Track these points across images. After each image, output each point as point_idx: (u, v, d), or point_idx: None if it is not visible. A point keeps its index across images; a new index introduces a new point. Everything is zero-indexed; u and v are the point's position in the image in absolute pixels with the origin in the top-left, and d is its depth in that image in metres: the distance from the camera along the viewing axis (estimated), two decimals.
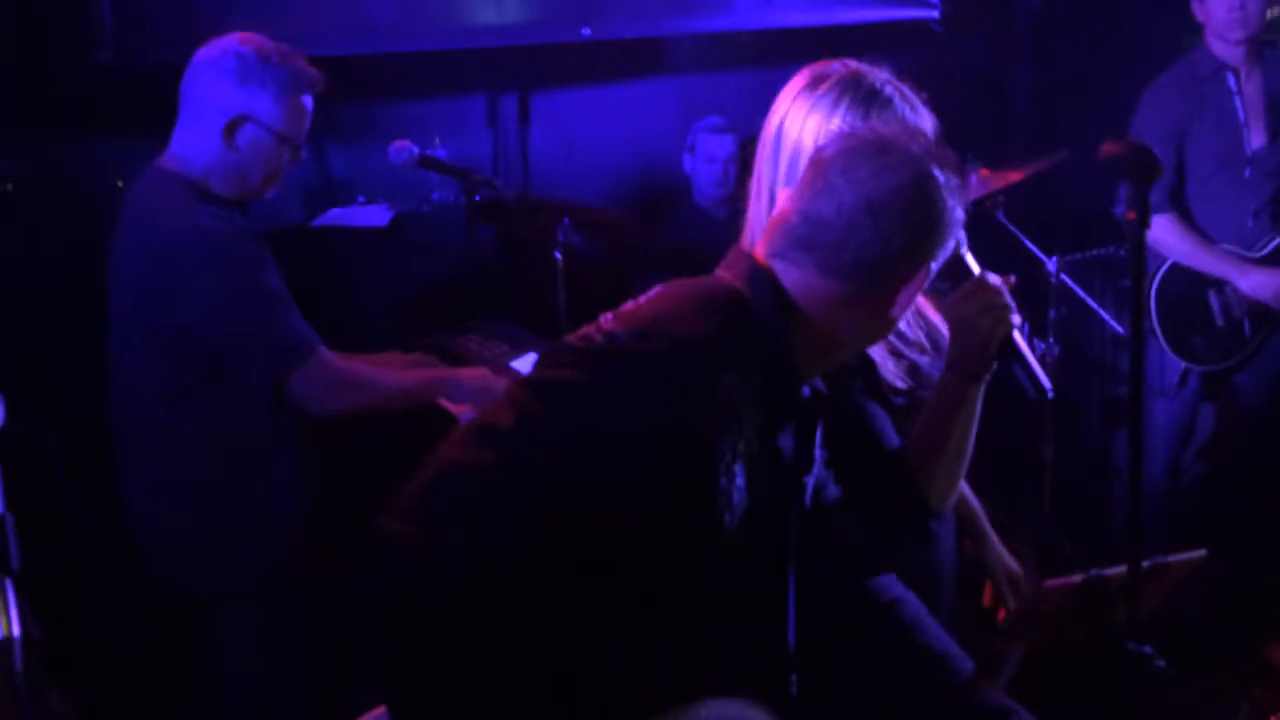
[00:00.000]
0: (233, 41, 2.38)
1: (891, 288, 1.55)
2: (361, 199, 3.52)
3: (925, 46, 4.21)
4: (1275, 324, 3.43)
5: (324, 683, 2.57)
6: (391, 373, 2.60)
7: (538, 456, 1.44)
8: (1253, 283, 3.39)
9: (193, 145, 2.39)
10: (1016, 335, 1.72)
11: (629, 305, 1.57)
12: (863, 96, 1.76)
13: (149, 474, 2.46)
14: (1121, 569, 1.87)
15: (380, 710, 1.54)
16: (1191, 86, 3.44)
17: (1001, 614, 2.00)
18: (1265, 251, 3.42)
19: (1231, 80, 3.43)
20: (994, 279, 1.70)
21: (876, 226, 1.51)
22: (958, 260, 1.69)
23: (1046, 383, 1.72)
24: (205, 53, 2.39)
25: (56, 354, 2.86)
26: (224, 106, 2.35)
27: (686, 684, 1.52)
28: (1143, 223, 1.81)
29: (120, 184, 3.11)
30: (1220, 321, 3.46)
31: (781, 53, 3.99)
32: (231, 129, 2.36)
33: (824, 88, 1.78)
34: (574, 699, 1.46)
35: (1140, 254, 1.83)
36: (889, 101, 1.77)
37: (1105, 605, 1.88)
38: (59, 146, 3.01)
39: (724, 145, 3.82)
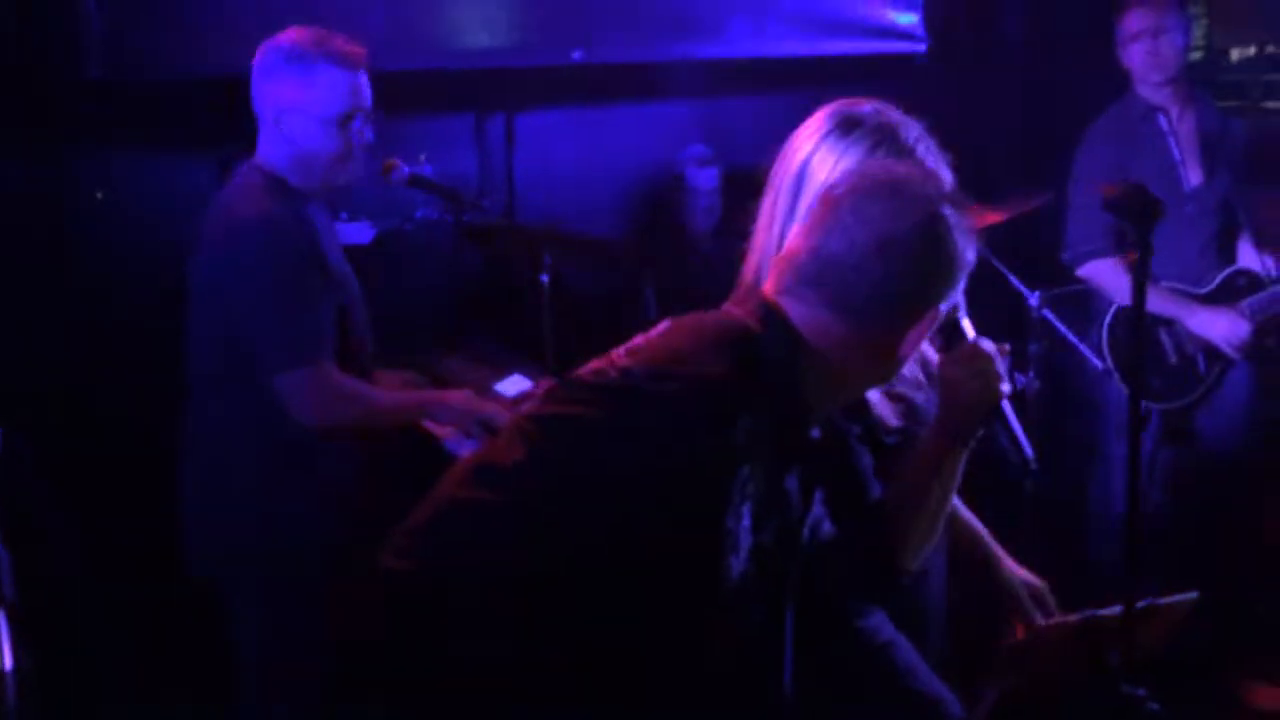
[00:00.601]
0: (271, 40, 2.48)
1: (900, 327, 1.55)
2: (344, 215, 3.48)
3: (911, 80, 4.24)
4: (1229, 359, 3.45)
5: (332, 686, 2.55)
6: (379, 391, 2.61)
7: (545, 494, 1.43)
8: (1199, 320, 3.42)
9: (264, 147, 2.51)
10: (1005, 405, 1.70)
11: (639, 340, 1.56)
12: (897, 151, 1.75)
13: (190, 458, 2.52)
14: (1115, 610, 1.87)
15: None
16: (1124, 130, 3.49)
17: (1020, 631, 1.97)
18: (1211, 287, 3.46)
19: (1163, 121, 3.48)
20: (988, 345, 1.70)
21: (887, 265, 1.51)
22: (953, 324, 1.68)
23: (1030, 453, 1.71)
24: (254, 59, 2.50)
25: (41, 370, 2.83)
26: (270, 104, 2.46)
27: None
28: (1145, 263, 1.82)
29: (99, 195, 3.09)
30: (1173, 359, 3.48)
31: (771, 81, 4.01)
32: (279, 123, 2.46)
33: (857, 133, 1.77)
34: None
35: (1141, 294, 1.84)
36: (921, 163, 1.76)
37: (1099, 646, 1.87)
38: (48, 161, 2.99)
39: (709, 178, 3.83)
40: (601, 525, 1.41)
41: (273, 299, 2.39)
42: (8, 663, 1.21)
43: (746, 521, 1.46)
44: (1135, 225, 1.83)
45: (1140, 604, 1.87)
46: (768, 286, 1.58)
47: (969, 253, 1.58)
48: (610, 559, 1.41)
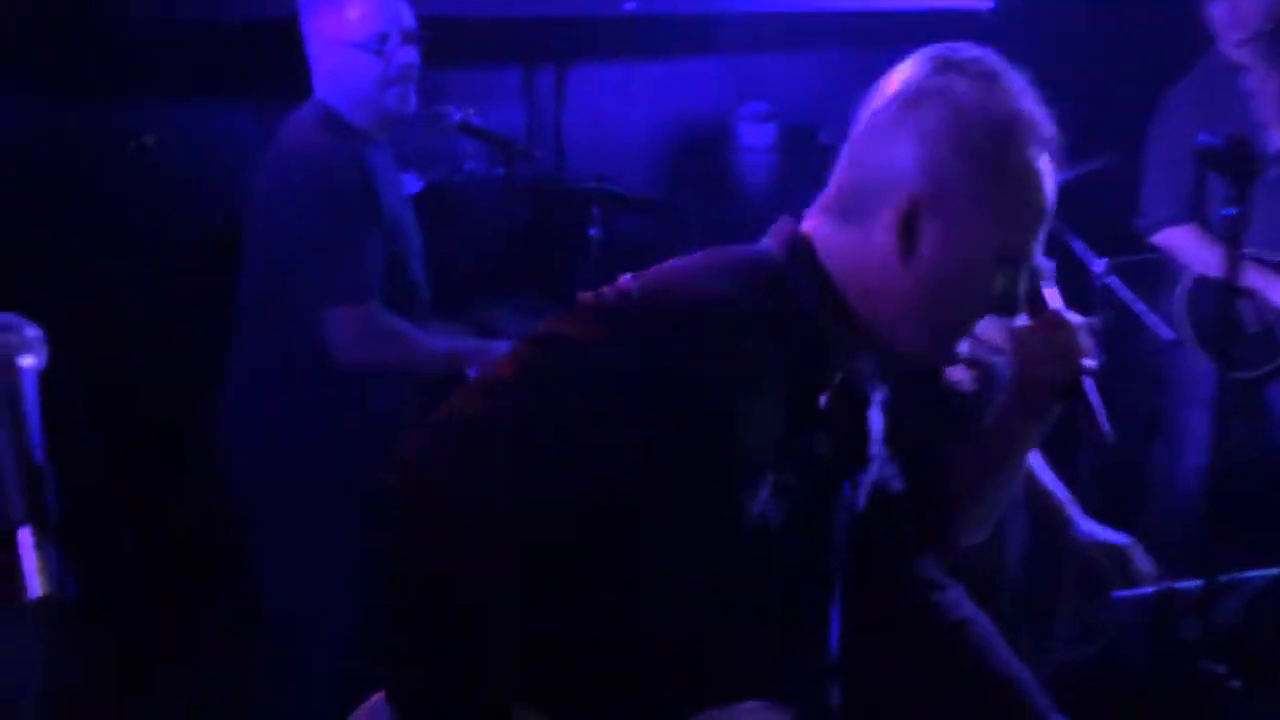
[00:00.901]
0: None
1: (907, 236, 1.38)
2: None
3: (976, 39, 4.10)
4: None
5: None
6: (425, 336, 2.58)
7: (536, 412, 1.33)
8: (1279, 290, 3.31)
9: (320, 86, 2.52)
10: (1088, 382, 1.57)
11: (652, 269, 1.45)
12: None
13: (233, 386, 2.53)
14: (1194, 583, 1.79)
15: (378, 697, 1.44)
16: (1205, 91, 3.37)
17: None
18: None
19: (1246, 80, 3.35)
20: (1073, 318, 1.57)
21: (892, 164, 1.38)
22: (1035, 292, 1.57)
23: (1108, 430, 1.60)
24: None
25: (80, 308, 2.80)
26: (316, 41, 2.48)
27: (700, 682, 1.41)
28: (1242, 220, 1.72)
29: (149, 140, 3.05)
30: (1253, 328, 3.37)
31: (831, 37, 3.91)
32: (325, 59, 2.47)
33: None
34: (578, 680, 1.38)
35: (1235, 254, 1.75)
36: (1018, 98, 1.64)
37: (1176, 619, 1.79)
38: (90, 103, 2.96)
39: (765, 134, 3.78)
40: (595, 448, 1.32)
41: (318, 233, 2.37)
42: (52, 586, 1.17)
43: (764, 457, 1.36)
44: (1234, 181, 1.73)
45: (1222, 578, 1.79)
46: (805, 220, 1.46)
47: (1029, 176, 1.39)
48: (608, 483, 1.32)
